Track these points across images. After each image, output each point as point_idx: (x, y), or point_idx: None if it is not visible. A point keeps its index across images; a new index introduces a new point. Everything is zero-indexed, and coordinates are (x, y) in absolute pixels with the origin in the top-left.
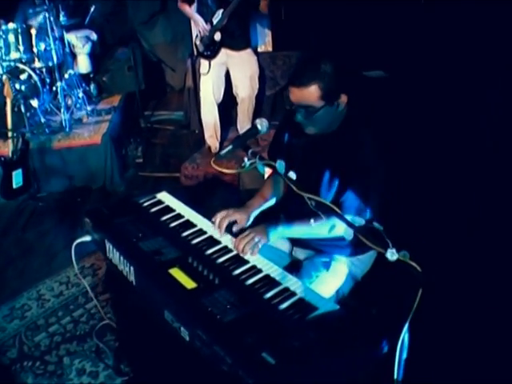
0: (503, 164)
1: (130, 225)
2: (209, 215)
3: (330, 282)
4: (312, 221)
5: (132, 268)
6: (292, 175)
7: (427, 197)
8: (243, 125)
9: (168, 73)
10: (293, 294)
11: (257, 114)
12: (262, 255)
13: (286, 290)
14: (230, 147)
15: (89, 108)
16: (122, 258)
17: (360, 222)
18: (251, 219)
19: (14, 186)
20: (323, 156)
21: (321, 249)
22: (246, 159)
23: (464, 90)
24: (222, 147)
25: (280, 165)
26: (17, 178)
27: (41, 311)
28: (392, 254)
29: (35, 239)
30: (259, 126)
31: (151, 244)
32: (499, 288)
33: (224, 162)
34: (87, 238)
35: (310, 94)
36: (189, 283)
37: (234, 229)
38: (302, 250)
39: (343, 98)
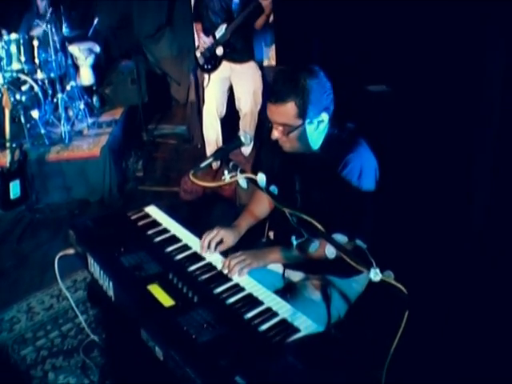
0: (501, 186)
1: (114, 238)
2: (203, 230)
3: (322, 304)
4: (293, 238)
5: (111, 283)
6: (274, 190)
7: (416, 215)
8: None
9: (173, 86)
10: (275, 314)
11: (260, 128)
12: (253, 277)
13: (269, 310)
14: (210, 159)
15: (90, 120)
16: (101, 272)
17: (343, 239)
18: (238, 238)
19: (12, 197)
20: (305, 174)
21: (313, 270)
22: (226, 172)
23: (470, 110)
24: (222, 163)
25: (261, 178)
26: (14, 189)
27: (29, 324)
28: (375, 274)
29: (30, 251)
30: (243, 138)
31: (133, 259)
32: (488, 309)
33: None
34: (71, 251)
35: (287, 111)
36: (167, 301)
37: (219, 248)
38: (295, 271)
39: (324, 117)
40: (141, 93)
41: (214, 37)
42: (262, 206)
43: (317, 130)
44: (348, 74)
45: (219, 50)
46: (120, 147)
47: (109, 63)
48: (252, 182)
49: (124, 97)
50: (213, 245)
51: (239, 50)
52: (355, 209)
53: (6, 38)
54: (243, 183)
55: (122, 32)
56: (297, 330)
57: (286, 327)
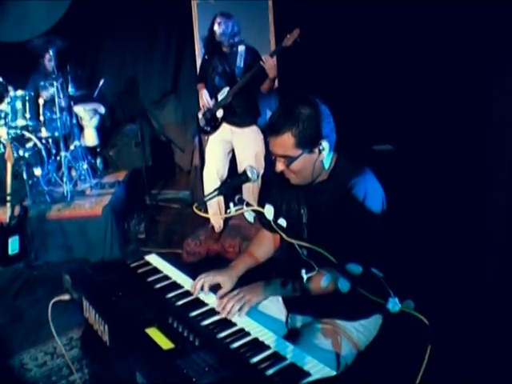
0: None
1: (112, 284)
2: None
3: (330, 350)
4: (303, 271)
5: (106, 326)
6: (282, 222)
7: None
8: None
9: (177, 153)
10: (283, 358)
11: (264, 190)
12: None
13: (276, 354)
14: (214, 193)
15: (93, 181)
16: (97, 315)
17: (357, 270)
18: (235, 281)
19: (10, 253)
20: (312, 206)
21: (320, 313)
22: (231, 205)
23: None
24: (226, 223)
25: (269, 210)
26: (13, 245)
27: (21, 381)
28: (394, 305)
29: (26, 307)
30: (249, 174)
31: (131, 303)
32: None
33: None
34: (66, 297)
35: (284, 142)
36: (166, 343)
37: (218, 293)
38: (300, 316)
39: (324, 145)
40: (145, 156)
41: (217, 99)
42: (263, 247)
43: (318, 159)
44: (353, 135)
45: (219, 113)
46: (122, 208)
47: (113, 126)
48: (258, 215)
49: (128, 159)
50: (206, 287)
51: (240, 114)
52: (362, 237)
53: (12, 94)
54: (249, 216)
55: (128, 97)
56: (307, 374)
57: (296, 371)
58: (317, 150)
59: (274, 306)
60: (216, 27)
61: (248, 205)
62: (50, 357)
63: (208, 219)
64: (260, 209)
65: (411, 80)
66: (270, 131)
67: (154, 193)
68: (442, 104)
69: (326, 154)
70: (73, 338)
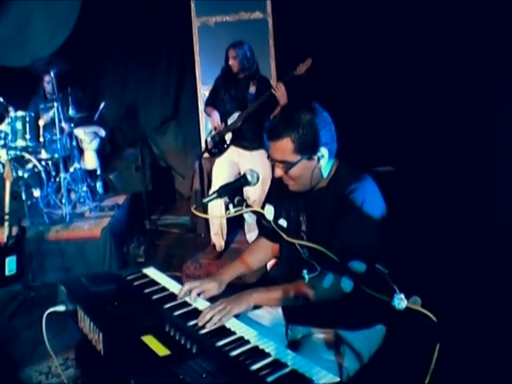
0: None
1: (108, 294)
2: None
3: (332, 361)
4: (305, 272)
5: (101, 334)
6: (283, 222)
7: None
8: (251, 227)
9: (177, 179)
10: (284, 365)
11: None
12: None
13: (277, 361)
14: (214, 195)
15: (92, 204)
16: (91, 324)
17: (361, 267)
18: (223, 287)
19: (7, 274)
20: (311, 214)
21: (320, 323)
22: (231, 206)
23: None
24: (227, 247)
25: (269, 210)
26: (10, 265)
27: None
28: (400, 301)
29: (22, 328)
30: (249, 177)
31: (127, 312)
32: None
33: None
34: (61, 308)
35: (283, 147)
36: (162, 350)
37: (202, 296)
38: (299, 327)
39: (323, 152)
40: (145, 181)
41: (226, 123)
42: (257, 254)
43: (317, 166)
44: (355, 158)
45: (228, 136)
46: (122, 231)
47: (114, 150)
48: (258, 217)
49: (128, 183)
50: (193, 294)
51: (249, 138)
52: (360, 241)
53: (12, 114)
54: (249, 217)
55: (128, 121)
56: (309, 381)
57: (298, 378)
58: (316, 157)
59: (274, 318)
60: (231, 62)
61: (247, 206)
62: (44, 376)
63: (208, 242)
64: (259, 209)
65: (413, 103)
66: (269, 135)
67: (154, 218)
68: (443, 124)
69: (325, 162)
70: (68, 358)
